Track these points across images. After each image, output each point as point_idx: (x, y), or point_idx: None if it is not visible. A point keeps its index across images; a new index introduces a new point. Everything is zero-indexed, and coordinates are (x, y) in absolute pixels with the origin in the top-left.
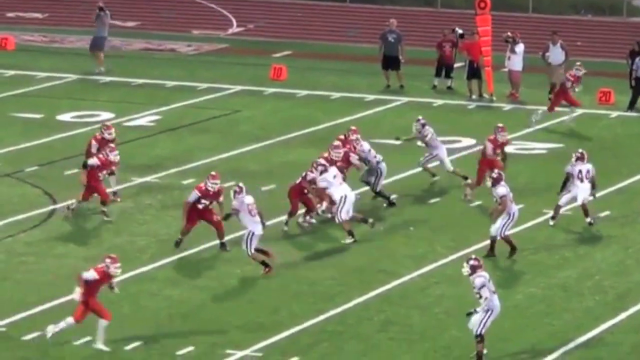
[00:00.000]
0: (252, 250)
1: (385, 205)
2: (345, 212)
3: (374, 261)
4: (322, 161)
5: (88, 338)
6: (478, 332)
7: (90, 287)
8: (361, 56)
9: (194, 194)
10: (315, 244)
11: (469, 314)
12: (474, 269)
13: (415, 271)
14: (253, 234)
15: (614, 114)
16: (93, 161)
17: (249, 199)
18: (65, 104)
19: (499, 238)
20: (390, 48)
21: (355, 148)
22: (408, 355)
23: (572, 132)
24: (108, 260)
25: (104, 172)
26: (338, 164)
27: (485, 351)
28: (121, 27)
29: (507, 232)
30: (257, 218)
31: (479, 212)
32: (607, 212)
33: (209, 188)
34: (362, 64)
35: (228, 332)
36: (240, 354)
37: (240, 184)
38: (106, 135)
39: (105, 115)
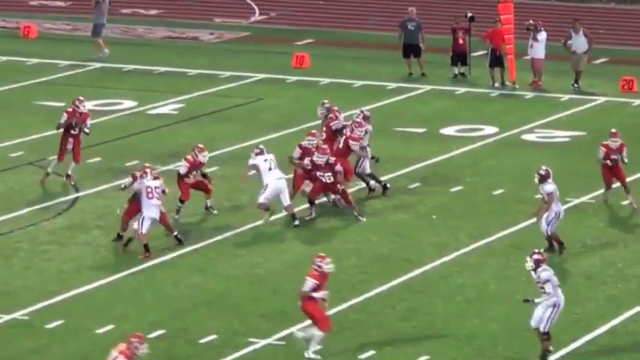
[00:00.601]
0: (143, 231)
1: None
2: (264, 197)
3: (397, 249)
4: (260, 146)
5: (110, 326)
6: (546, 329)
7: None
8: (383, 44)
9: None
10: (338, 232)
11: (526, 301)
12: (537, 263)
13: (438, 260)
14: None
15: (637, 101)
16: (183, 170)
17: (155, 183)
18: (88, 92)
19: (546, 235)
20: (410, 36)
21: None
22: (430, 343)
23: (594, 120)
24: (318, 260)
25: (194, 172)
26: (335, 152)
27: (551, 348)
28: (144, 16)
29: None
30: (155, 201)
31: (502, 201)
32: (629, 200)
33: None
34: (384, 51)
35: (251, 321)
36: (263, 342)
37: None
38: (201, 158)
39: (128, 103)
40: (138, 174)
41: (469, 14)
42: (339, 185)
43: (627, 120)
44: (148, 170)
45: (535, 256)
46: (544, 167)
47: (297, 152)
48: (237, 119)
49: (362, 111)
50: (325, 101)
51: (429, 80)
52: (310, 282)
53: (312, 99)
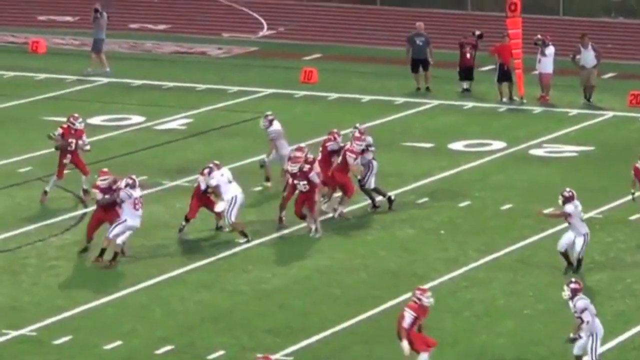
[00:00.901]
0: (119, 241)
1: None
2: (234, 215)
3: (405, 265)
4: (210, 165)
5: (118, 342)
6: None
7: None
8: (392, 59)
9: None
10: (346, 247)
11: (572, 341)
12: (574, 292)
13: (446, 275)
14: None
15: None
16: (203, 185)
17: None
18: (96, 107)
19: (575, 255)
20: (418, 51)
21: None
22: (439, 358)
23: (602, 135)
24: (418, 292)
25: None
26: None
27: None
28: (152, 31)
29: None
30: (141, 212)
31: (509, 216)
32: (637, 216)
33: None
34: (393, 66)
35: (258, 336)
36: (271, 358)
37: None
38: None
39: (136, 118)
40: (123, 182)
41: (478, 32)
42: (316, 194)
43: (635, 135)
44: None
45: (572, 285)
46: (568, 189)
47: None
48: (245, 134)
49: (356, 127)
50: (269, 113)
51: (436, 95)
52: (409, 317)
53: (320, 114)
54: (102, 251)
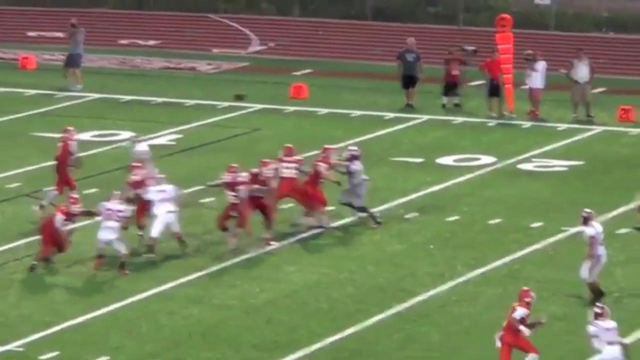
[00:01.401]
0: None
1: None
2: (156, 230)
3: (394, 279)
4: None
5: (105, 357)
6: None
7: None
8: (382, 74)
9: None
10: (335, 261)
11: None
12: (596, 317)
13: (435, 289)
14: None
15: (635, 131)
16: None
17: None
18: (86, 123)
19: (588, 282)
20: (409, 67)
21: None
22: None
23: (592, 149)
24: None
25: None
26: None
27: None
28: (141, 46)
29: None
30: (113, 224)
31: (498, 230)
32: (626, 230)
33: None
34: (383, 82)
35: (245, 351)
36: None
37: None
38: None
39: (126, 134)
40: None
41: (470, 47)
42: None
43: (625, 149)
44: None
45: (596, 309)
46: (587, 210)
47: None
48: (235, 149)
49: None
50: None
51: (427, 110)
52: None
53: (310, 129)
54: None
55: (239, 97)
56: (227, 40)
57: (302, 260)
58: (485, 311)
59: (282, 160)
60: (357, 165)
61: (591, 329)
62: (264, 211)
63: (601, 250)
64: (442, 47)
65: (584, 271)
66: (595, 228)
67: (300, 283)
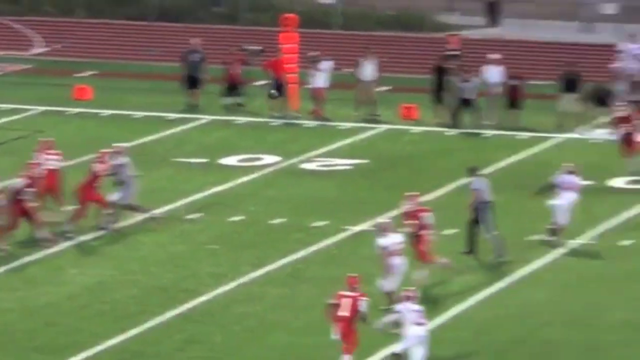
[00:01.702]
0: None
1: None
2: None
3: (176, 280)
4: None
5: None
6: None
7: None
8: (166, 75)
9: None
10: (118, 263)
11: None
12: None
13: (218, 289)
14: None
15: (417, 129)
16: None
17: None
18: None
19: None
20: (193, 68)
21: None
22: None
23: (376, 148)
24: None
25: None
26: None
27: None
28: None
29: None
30: None
31: (282, 230)
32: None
33: None
34: (167, 82)
35: (25, 355)
36: None
37: None
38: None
39: None
40: None
41: (257, 47)
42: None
43: (408, 146)
44: None
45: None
46: (385, 220)
47: None
48: (18, 152)
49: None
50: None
51: (210, 110)
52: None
53: (95, 130)
54: None
55: None
56: (10, 43)
57: (84, 262)
58: (270, 310)
59: (46, 154)
60: (121, 161)
61: (398, 307)
62: (28, 214)
63: (398, 260)
64: (226, 47)
65: (383, 282)
66: (392, 238)
67: (82, 285)
